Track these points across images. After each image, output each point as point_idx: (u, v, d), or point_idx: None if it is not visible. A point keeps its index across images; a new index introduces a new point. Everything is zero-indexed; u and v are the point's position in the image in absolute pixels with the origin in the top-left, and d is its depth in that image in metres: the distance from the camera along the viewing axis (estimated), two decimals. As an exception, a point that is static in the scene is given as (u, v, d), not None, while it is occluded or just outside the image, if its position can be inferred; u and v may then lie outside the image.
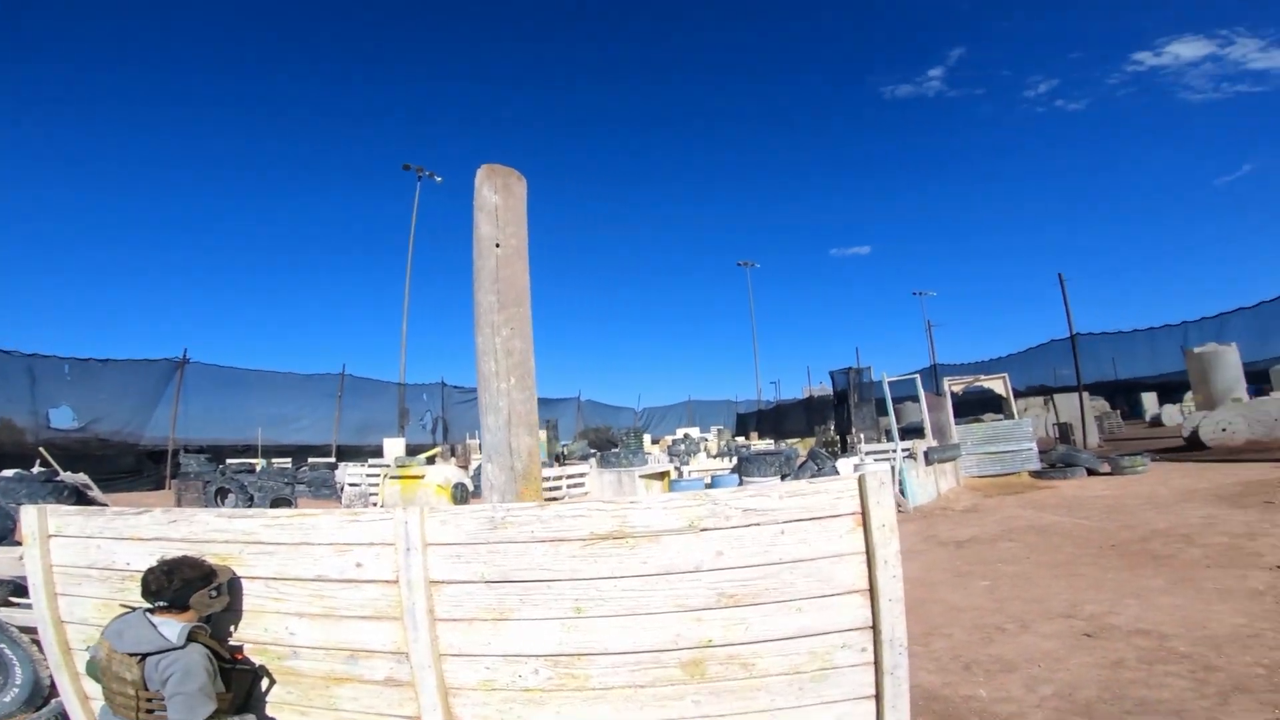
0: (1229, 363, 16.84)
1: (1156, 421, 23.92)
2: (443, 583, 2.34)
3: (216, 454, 15.88)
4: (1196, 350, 17.60)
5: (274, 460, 16.62)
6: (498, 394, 2.75)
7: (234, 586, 2.53)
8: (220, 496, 11.85)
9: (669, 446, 20.15)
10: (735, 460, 12.51)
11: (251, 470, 13.64)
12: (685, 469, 12.94)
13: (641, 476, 10.75)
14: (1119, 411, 25.79)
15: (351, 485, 13.53)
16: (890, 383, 12.90)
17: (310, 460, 17.04)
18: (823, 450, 13.39)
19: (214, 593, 2.41)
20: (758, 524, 2.30)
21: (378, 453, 17.98)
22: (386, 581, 2.38)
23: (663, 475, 11.32)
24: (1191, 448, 14.39)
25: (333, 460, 17.53)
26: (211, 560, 2.49)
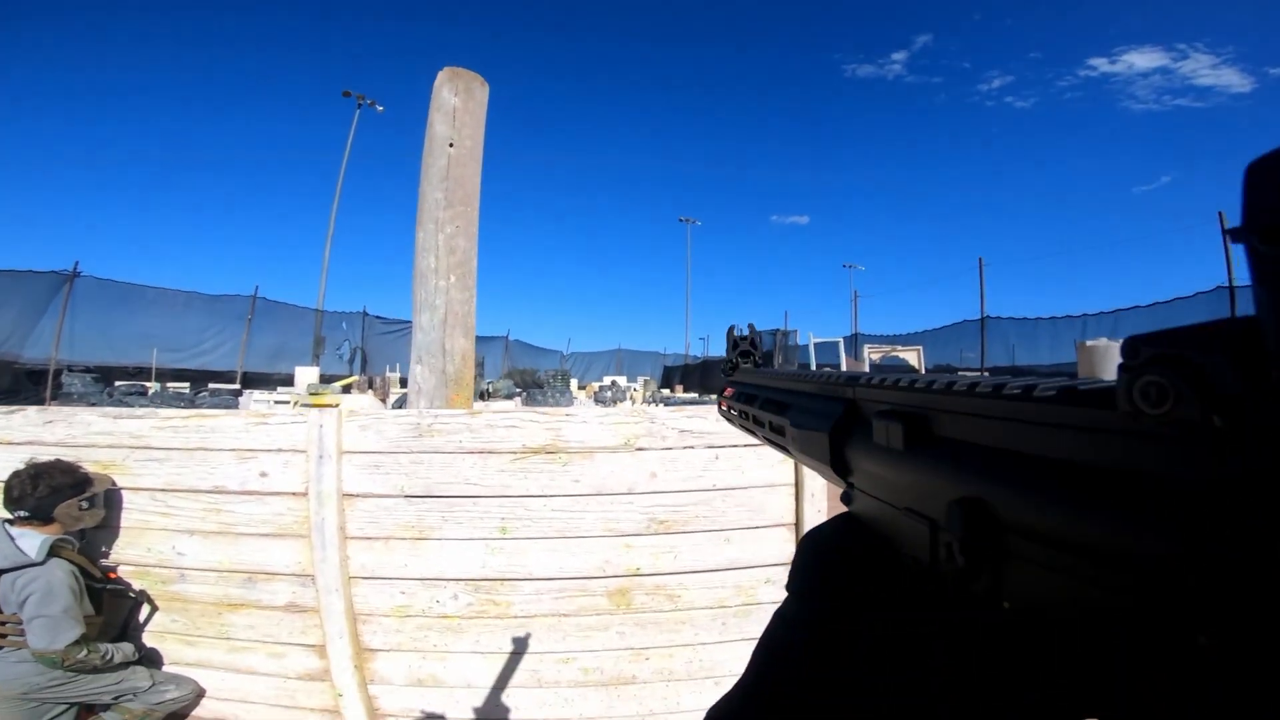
0: (1114, 357, 18.19)
1: (1040, 407, 25.83)
2: (357, 496, 2.15)
3: (105, 375, 14.53)
4: (1088, 343, 18.97)
5: (169, 384, 15.41)
6: (435, 291, 2.53)
7: (112, 498, 2.24)
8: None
9: (595, 393, 20.10)
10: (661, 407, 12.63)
11: (144, 394, 12.57)
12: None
13: (567, 420, 10.65)
14: (1010, 395, 27.68)
15: (257, 414, 12.69)
16: (815, 345, 13.23)
17: (211, 386, 15.90)
18: (746, 407, 13.65)
19: (85, 504, 2.12)
20: (693, 446, 2.24)
21: (288, 381, 16.93)
22: (294, 494, 2.16)
23: (589, 421, 11.26)
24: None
25: (237, 387, 16.43)
26: (90, 468, 2.19)
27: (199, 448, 2.21)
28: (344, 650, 2.15)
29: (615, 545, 2.22)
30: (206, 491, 2.21)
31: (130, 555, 2.26)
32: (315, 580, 2.15)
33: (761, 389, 0.60)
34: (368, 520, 2.15)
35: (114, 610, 2.20)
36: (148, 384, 14.42)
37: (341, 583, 2.14)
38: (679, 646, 2.31)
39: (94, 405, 11.19)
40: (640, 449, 2.22)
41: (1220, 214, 11.81)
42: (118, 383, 13.59)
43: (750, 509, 2.27)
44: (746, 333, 0.75)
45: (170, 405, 12.24)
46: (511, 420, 2.19)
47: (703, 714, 0.37)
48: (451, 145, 2.65)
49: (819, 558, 0.38)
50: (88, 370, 14.76)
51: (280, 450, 2.17)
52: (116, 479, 2.24)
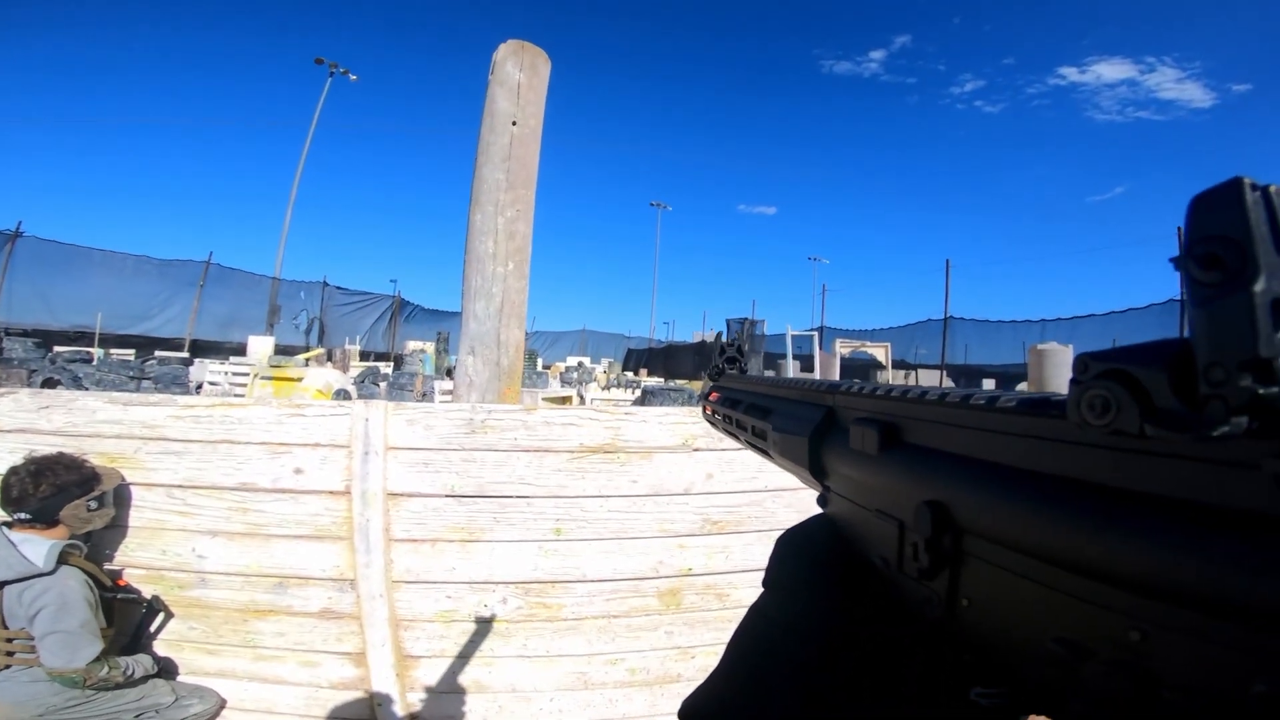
0: (1063, 361, 19.11)
1: (991, 406, 26.94)
2: (403, 496, 2.01)
3: (46, 340, 13.63)
4: (1039, 347, 19.81)
5: (113, 351, 14.56)
6: (493, 278, 2.37)
7: (121, 496, 2.03)
8: (47, 389, 10.14)
9: (561, 373, 19.96)
10: (639, 392, 12.56)
11: (88, 360, 11.82)
12: (588, 398, 12.82)
13: (545, 399, 10.48)
14: (963, 392, 28.71)
15: (211, 384, 12.14)
16: (792, 336, 13.35)
17: (158, 354, 15.10)
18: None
19: (94, 504, 1.90)
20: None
21: (239, 351, 16.22)
22: (333, 493, 2.00)
23: (565, 400, 11.11)
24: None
25: (186, 355, 15.66)
26: (95, 461, 1.98)
27: (223, 440, 2.02)
28: (385, 658, 2.02)
29: (669, 546, 2.16)
30: (232, 489, 2.02)
31: (142, 558, 2.06)
32: (356, 585, 2.00)
33: (746, 394, 0.62)
34: (414, 522, 2.01)
35: (124, 620, 2.01)
36: (91, 350, 13.58)
37: (385, 588, 2.00)
38: (724, 644, 2.27)
39: (34, 372, 10.46)
40: (697, 449, 2.15)
41: (1179, 229, 12.32)
42: (58, 348, 12.75)
43: (799, 510, 2.23)
44: (736, 341, 0.77)
45: (117, 373, 11.56)
46: (569, 417, 2.08)
47: None
48: (515, 123, 2.48)
49: (796, 557, 0.39)
50: (26, 334, 13.82)
51: (318, 445, 2.00)
52: (126, 474, 2.04)
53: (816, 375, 14.34)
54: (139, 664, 1.92)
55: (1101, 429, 0.20)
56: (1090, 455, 0.21)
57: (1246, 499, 0.17)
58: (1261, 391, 0.16)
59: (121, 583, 2.01)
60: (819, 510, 0.42)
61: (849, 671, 0.33)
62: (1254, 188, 0.17)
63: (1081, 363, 0.21)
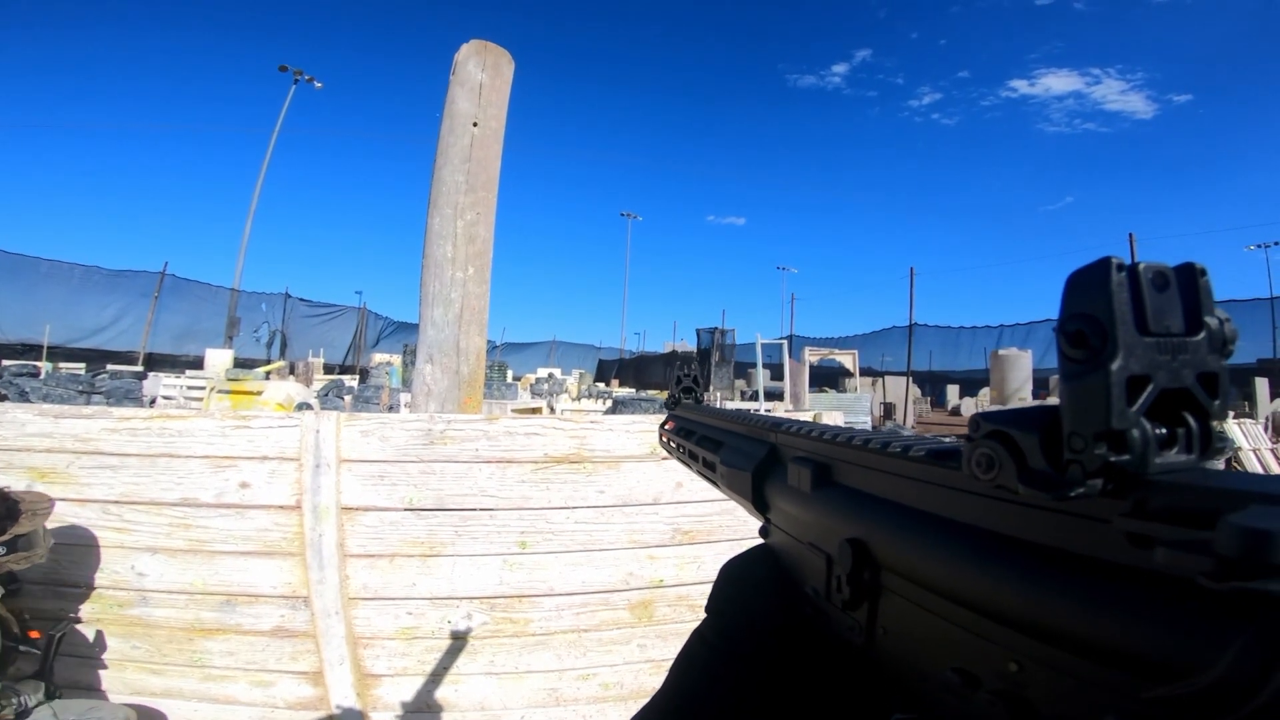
0: (1023, 366, 19.64)
1: (956, 411, 27.60)
2: (358, 509, 1.92)
3: (-10, 354, 13.03)
4: (1000, 352, 20.32)
5: (62, 365, 13.97)
6: (451, 284, 2.30)
7: (40, 509, 1.83)
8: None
9: (532, 385, 19.80)
10: (610, 403, 12.49)
11: (35, 374, 11.32)
12: (558, 408, 12.69)
13: (514, 410, 10.33)
14: (929, 400, 29.35)
15: (166, 398, 11.71)
16: (762, 345, 13.42)
17: (110, 367, 14.53)
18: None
19: (1, 549, 1.62)
20: (721, 456, 2.16)
21: (196, 364, 15.74)
22: (282, 507, 1.90)
23: (535, 411, 10.98)
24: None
25: (139, 369, 15.11)
26: (25, 475, 1.84)
27: (163, 454, 1.91)
28: (344, 677, 1.92)
29: (639, 557, 2.10)
30: (172, 504, 1.91)
31: (77, 575, 1.93)
32: (310, 603, 1.90)
33: (699, 425, 0.64)
34: (370, 536, 1.92)
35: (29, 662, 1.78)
36: (38, 363, 13.02)
37: (341, 605, 1.90)
38: (697, 658, 2.23)
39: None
40: (666, 458, 2.10)
41: (1130, 236, 12.81)
42: (4, 362, 12.21)
43: (771, 518, 2.21)
44: (691, 372, 0.81)
45: (66, 388, 11.09)
46: (533, 427, 2.02)
47: None
48: (476, 124, 2.43)
49: (736, 585, 0.42)
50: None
51: (266, 458, 1.90)
52: (59, 489, 1.90)
53: (786, 383, 14.45)
54: (31, 691, 1.70)
55: (987, 482, 0.22)
56: (979, 503, 0.24)
57: (1101, 550, 0.19)
58: (1113, 459, 0.19)
59: (35, 635, 1.78)
60: (762, 540, 0.45)
61: (781, 694, 0.36)
62: (1120, 268, 0.19)
63: (974, 422, 0.23)
